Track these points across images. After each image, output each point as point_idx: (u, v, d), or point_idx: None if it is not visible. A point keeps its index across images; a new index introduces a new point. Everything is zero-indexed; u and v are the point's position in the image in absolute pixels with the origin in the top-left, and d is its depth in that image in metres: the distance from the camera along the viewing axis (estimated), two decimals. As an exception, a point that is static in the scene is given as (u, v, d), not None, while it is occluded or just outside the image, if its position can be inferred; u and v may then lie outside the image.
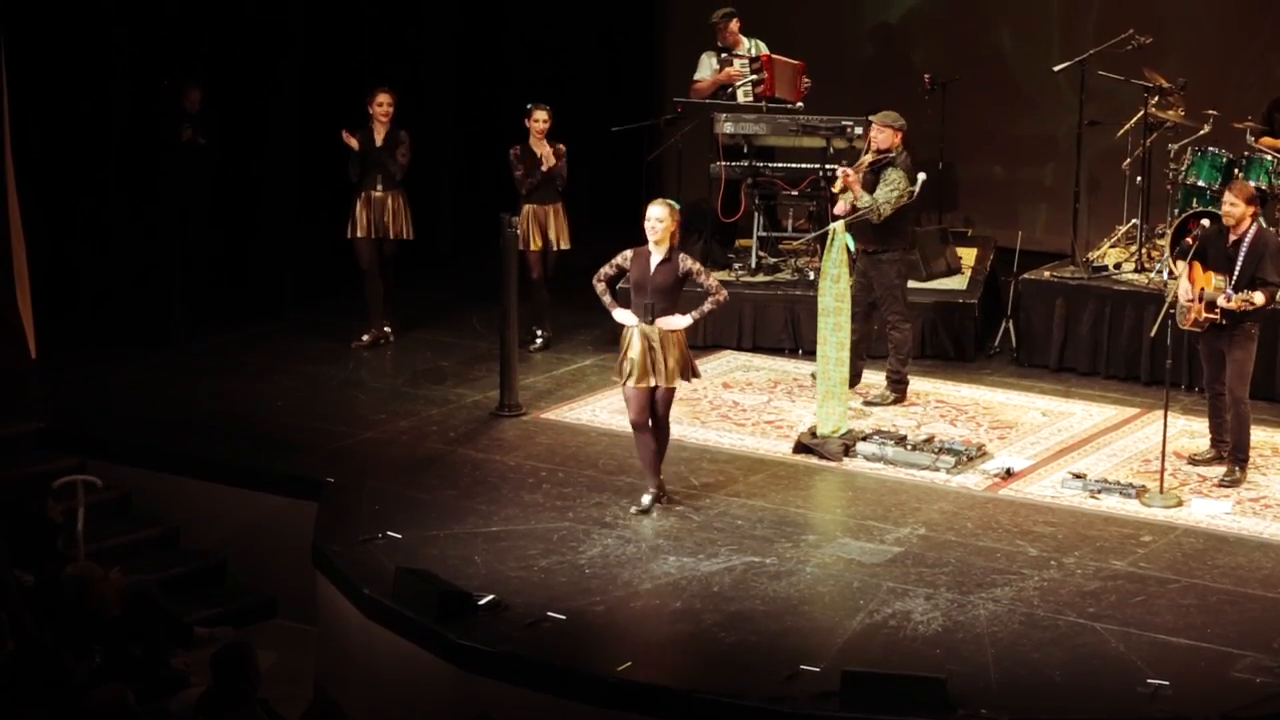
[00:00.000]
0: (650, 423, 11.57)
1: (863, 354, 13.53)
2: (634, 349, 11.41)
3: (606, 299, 11.59)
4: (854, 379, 13.30)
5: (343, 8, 16.60)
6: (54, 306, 14.61)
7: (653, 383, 11.41)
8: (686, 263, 11.45)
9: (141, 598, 10.29)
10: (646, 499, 11.62)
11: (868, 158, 13.38)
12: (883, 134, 13.31)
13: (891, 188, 13.11)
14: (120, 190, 14.88)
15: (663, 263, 11.39)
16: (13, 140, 14.05)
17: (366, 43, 16.72)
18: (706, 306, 11.49)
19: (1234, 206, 11.95)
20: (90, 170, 14.83)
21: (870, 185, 13.17)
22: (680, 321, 11.43)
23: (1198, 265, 11.98)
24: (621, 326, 11.58)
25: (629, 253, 11.53)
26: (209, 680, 8.87)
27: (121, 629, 9.89)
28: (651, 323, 11.36)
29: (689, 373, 11.57)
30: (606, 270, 11.58)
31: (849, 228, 12.83)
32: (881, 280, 13.41)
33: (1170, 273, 13.85)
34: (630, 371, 11.42)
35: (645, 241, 11.47)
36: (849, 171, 13.20)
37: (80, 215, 14.86)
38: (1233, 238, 11.95)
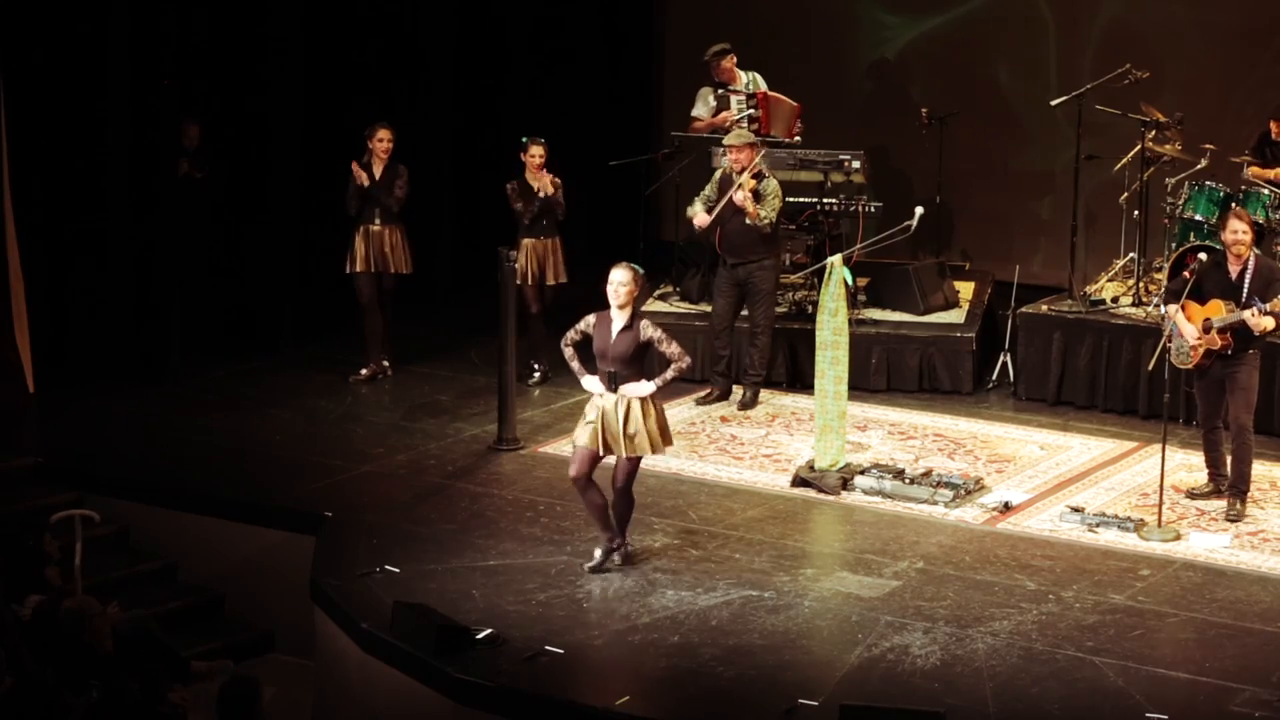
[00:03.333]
0: (613, 490, 11.20)
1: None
2: (593, 415, 11.04)
3: (575, 364, 11.21)
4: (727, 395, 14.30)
5: (343, 43, 16.64)
6: (52, 341, 14.61)
7: (612, 452, 11.04)
8: (648, 330, 11.00)
9: (139, 632, 10.27)
10: (598, 553, 11.24)
11: (748, 178, 13.93)
12: (744, 153, 13.97)
13: (773, 195, 13.99)
14: (118, 225, 14.88)
15: (624, 330, 11.00)
16: (11, 176, 14.07)
17: (366, 78, 16.74)
18: (669, 375, 10.96)
19: (1245, 234, 11.94)
20: (88, 205, 14.83)
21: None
22: (644, 389, 10.97)
23: (1192, 305, 11.99)
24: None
25: (592, 318, 11.13)
26: (214, 716, 8.85)
27: (119, 664, 9.86)
28: (615, 391, 11.00)
29: (658, 445, 11.10)
30: (573, 335, 11.22)
31: (845, 262, 12.90)
32: (763, 286, 14.16)
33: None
34: (586, 433, 11.04)
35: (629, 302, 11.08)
36: (749, 195, 13.81)
37: (78, 250, 14.86)
38: (1236, 267, 11.96)
